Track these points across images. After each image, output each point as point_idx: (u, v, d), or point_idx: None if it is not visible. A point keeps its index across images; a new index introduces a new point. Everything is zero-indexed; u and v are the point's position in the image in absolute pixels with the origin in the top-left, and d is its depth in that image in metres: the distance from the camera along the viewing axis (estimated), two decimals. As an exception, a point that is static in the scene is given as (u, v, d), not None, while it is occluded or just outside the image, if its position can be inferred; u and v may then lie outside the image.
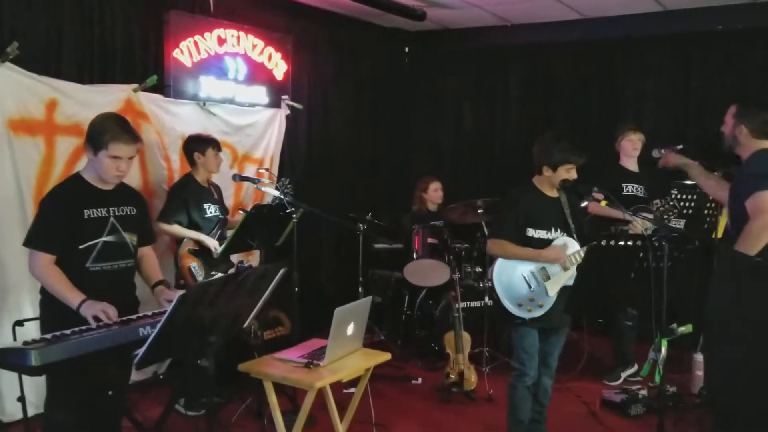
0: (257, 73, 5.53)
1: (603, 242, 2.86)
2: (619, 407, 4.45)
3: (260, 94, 5.58)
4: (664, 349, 2.91)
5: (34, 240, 2.89)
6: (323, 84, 6.38)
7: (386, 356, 3.29)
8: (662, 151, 4.95)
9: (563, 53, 6.66)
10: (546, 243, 3.43)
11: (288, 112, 5.82)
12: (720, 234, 4.55)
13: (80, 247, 2.90)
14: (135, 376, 4.37)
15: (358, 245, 5.45)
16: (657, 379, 2.92)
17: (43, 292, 2.98)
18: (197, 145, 4.49)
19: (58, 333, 2.56)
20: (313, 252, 6.31)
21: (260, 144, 5.62)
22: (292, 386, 3.23)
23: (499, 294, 3.46)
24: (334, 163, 6.51)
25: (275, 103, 5.70)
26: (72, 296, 2.80)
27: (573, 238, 3.43)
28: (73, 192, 2.97)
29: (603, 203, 3.18)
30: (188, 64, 4.95)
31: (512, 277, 3.45)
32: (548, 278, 3.42)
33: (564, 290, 3.41)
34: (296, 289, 4.18)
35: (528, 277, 3.44)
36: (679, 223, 4.60)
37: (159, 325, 2.37)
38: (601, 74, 6.51)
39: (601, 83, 6.51)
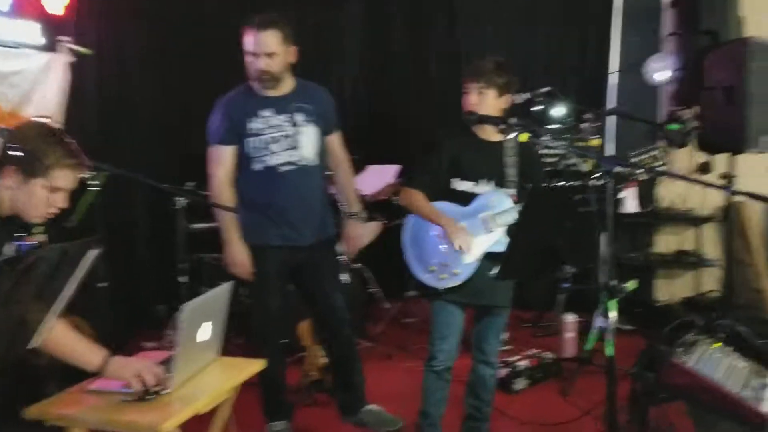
0: (25, 5, 4.16)
1: (544, 185, 2.18)
2: (502, 383, 3.91)
3: (31, 32, 4.20)
4: (614, 314, 2.29)
5: None
6: (118, 22, 5.04)
7: (257, 365, 2.31)
8: (524, 96, 4.47)
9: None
10: (471, 197, 2.80)
11: (72, 58, 4.48)
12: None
13: None
14: None
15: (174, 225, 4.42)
16: (609, 350, 2.29)
17: None
18: None
19: None
20: (123, 235, 5.02)
21: (32, 97, 4.22)
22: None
23: (407, 257, 2.84)
24: (135, 124, 5.21)
25: (52, 46, 4.36)
26: None
27: (510, 193, 2.81)
28: None
29: (524, 137, 2.49)
30: None
31: (424, 237, 2.81)
32: None
33: (489, 258, 2.78)
34: (105, 285, 3.03)
35: (442, 239, 2.77)
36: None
37: None
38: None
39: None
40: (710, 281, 5.21)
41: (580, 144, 4.30)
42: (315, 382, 3.86)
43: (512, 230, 2.34)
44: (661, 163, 2.70)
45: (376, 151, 5.19)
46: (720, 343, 2.88)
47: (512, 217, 2.73)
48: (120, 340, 3.63)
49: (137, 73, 5.27)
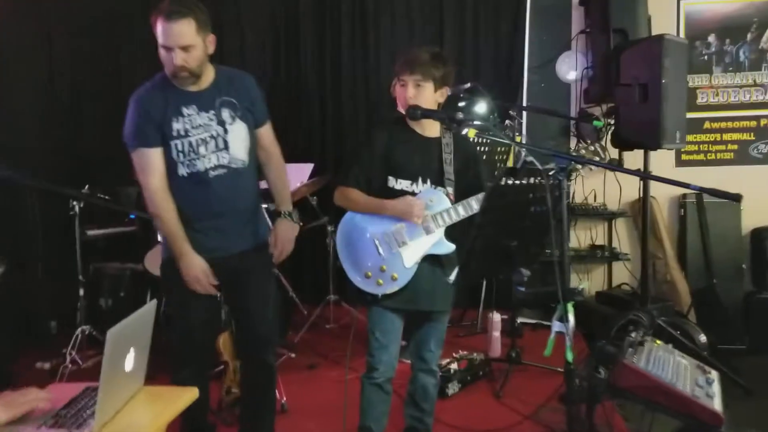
0: None
1: (503, 181, 2.03)
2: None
3: None
4: (571, 317, 2.20)
5: None
6: (1, 12, 4.52)
7: (188, 395, 2.01)
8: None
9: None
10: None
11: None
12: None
13: None
14: None
15: (73, 233, 3.98)
16: (568, 356, 2.19)
17: None
18: None
19: None
20: (10, 244, 4.47)
21: None
22: None
23: (343, 262, 2.64)
24: (17, 122, 4.68)
25: None
26: None
27: (447, 192, 2.61)
28: None
29: (471, 133, 2.34)
30: None
31: (359, 239, 2.61)
32: (404, 243, 2.57)
33: (428, 260, 2.61)
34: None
35: (379, 241, 2.59)
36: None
37: None
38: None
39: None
40: (621, 275, 5.32)
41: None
42: (237, 399, 3.55)
43: (471, 231, 2.17)
44: (600, 158, 2.65)
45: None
46: (659, 341, 2.87)
47: (451, 217, 2.58)
48: (7, 361, 3.17)
49: (18, 67, 4.76)
